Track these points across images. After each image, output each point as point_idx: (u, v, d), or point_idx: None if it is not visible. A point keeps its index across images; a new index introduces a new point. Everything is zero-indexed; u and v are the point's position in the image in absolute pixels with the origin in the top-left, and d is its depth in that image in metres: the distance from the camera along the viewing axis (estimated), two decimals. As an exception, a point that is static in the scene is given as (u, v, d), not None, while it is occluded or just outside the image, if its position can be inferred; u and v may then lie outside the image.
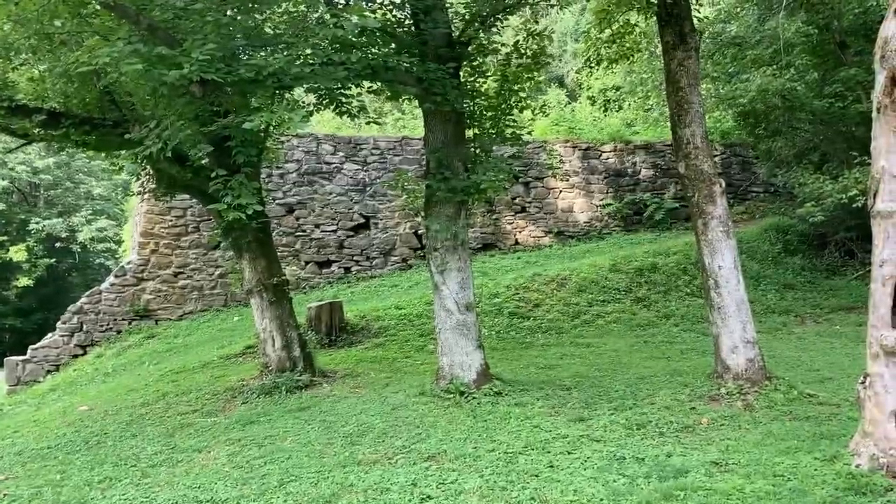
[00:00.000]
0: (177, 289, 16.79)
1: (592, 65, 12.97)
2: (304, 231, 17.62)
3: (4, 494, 6.97)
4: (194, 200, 16.46)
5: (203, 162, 9.81)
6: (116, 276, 16.69)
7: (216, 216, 10.00)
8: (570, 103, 32.06)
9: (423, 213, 8.96)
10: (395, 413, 8.21)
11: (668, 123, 9.18)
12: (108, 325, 16.41)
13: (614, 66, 12.80)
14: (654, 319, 13.24)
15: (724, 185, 8.72)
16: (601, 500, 5.61)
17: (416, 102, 9.95)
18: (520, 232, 19.14)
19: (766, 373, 8.48)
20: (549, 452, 6.77)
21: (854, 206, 12.81)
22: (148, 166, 10.02)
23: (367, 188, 18.06)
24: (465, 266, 8.82)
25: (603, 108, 17.71)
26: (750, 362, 8.40)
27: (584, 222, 19.59)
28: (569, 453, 6.74)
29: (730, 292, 8.48)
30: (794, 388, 8.33)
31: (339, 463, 6.82)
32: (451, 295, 8.72)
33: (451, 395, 8.54)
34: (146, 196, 16.17)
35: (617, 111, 22.10)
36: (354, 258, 17.96)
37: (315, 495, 6.04)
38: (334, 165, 18.13)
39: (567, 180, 19.54)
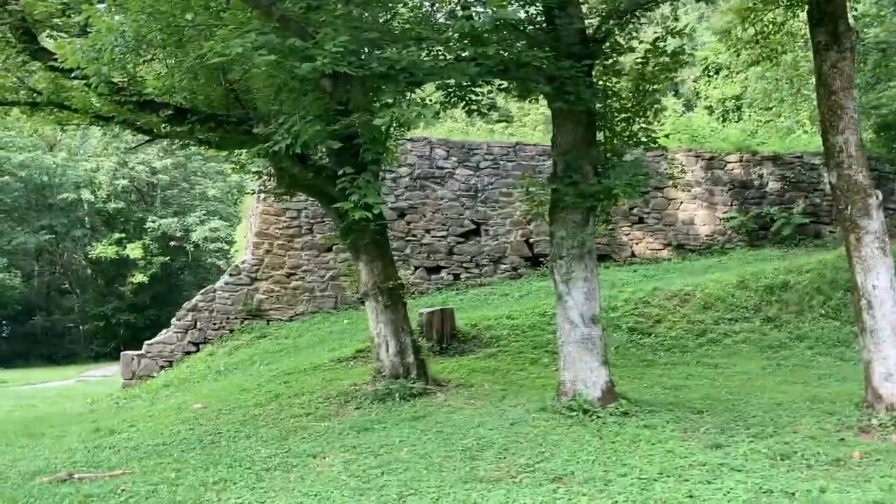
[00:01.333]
0: (289, 289, 16.86)
1: (711, 73, 12.33)
2: (414, 236, 17.42)
3: (122, 490, 6.91)
4: (309, 202, 16.53)
5: (324, 162, 9.65)
6: (231, 275, 16.88)
7: (335, 216, 9.84)
8: (685, 112, 31.06)
9: (547, 220, 8.52)
10: (515, 428, 7.79)
11: (798, 133, 8.53)
12: (220, 323, 16.59)
13: (739, 71, 12.10)
14: (785, 341, 12.40)
15: (881, 197, 7.96)
16: (753, 540, 5.04)
17: (535, 105, 9.50)
18: (636, 244, 18.45)
19: (925, 405, 7.67)
20: (686, 481, 6.23)
21: None
22: (270, 165, 9.93)
23: (479, 194, 17.74)
24: (591, 276, 8.34)
25: (721, 119, 16.88)
26: (907, 392, 7.61)
27: (706, 236, 18.73)
28: (708, 483, 6.18)
29: (884, 314, 7.72)
30: (956, 424, 7.51)
31: (459, 478, 6.45)
32: (576, 306, 8.25)
33: (575, 413, 8.06)
34: (263, 197, 16.30)
35: (736, 122, 21.06)
36: (464, 265, 17.65)
37: (437, 513, 5.68)
38: (447, 170, 17.89)
39: (688, 191, 18.73)
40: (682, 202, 18.76)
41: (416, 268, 17.46)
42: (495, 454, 7.05)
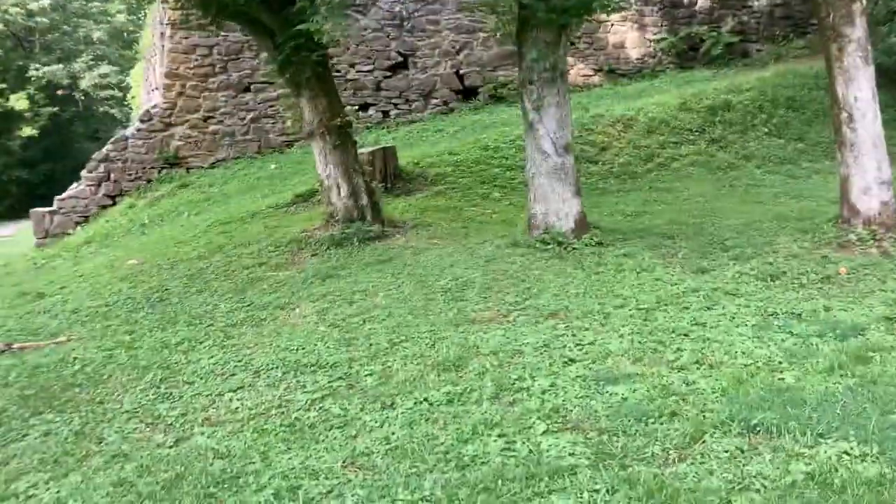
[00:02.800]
0: (207, 134, 15.75)
1: None
2: (338, 72, 16.33)
3: (74, 358, 6.29)
4: (221, 37, 15.20)
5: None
6: (142, 122, 15.61)
7: (270, 49, 8.90)
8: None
9: (514, 40, 7.82)
10: (491, 266, 7.42)
11: None
12: (136, 173, 15.49)
13: None
14: (734, 161, 12.30)
15: (865, 2, 7.54)
16: (780, 362, 4.86)
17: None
18: (569, 69, 17.81)
19: (900, 217, 7.62)
20: (686, 308, 6.02)
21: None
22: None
23: (405, 23, 16.64)
24: (563, 101, 7.81)
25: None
26: (884, 205, 7.54)
27: (636, 59, 18.26)
28: (708, 309, 5.99)
29: (865, 127, 7.52)
30: (931, 233, 7.51)
31: (449, 321, 6.08)
32: (548, 134, 7.75)
33: (549, 246, 7.74)
34: (171, 33, 14.89)
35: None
36: (392, 101, 16.78)
37: (439, 358, 5.30)
38: (368, -3, 16.66)
39: (619, 12, 18.02)
40: (612, 24, 18.10)
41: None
42: (479, 293, 6.68)
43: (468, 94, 17.05)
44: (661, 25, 18.44)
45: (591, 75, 17.98)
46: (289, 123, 15.56)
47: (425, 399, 4.67)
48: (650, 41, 18.35)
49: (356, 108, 16.01)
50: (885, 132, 12.96)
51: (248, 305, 7.19)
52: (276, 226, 10.31)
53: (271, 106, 15.99)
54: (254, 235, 9.80)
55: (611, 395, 4.53)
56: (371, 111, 16.58)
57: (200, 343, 6.32)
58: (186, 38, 15.22)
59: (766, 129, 13.11)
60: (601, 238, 7.89)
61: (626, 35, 18.16)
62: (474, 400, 4.61)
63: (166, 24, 15.39)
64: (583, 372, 4.89)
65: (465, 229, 9.24)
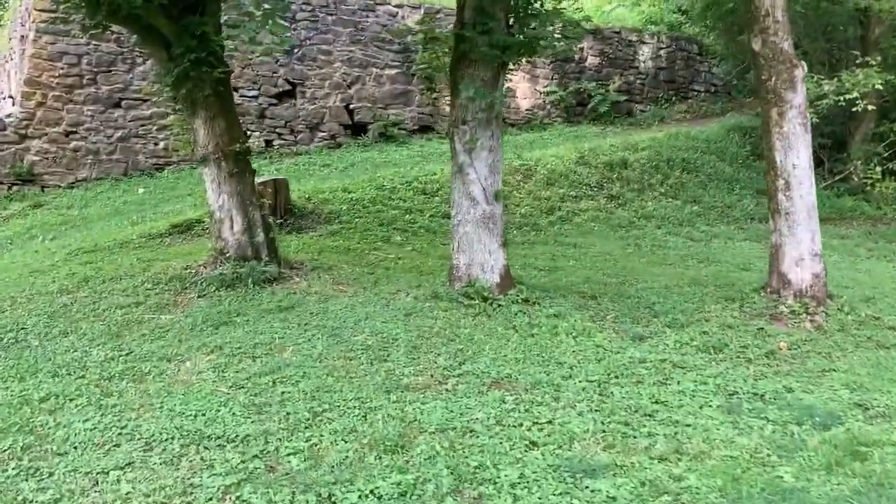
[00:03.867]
0: (68, 151, 14.19)
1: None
2: (220, 94, 15.19)
3: None
4: (92, 45, 13.83)
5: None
6: (-7, 131, 13.88)
7: (163, 60, 7.87)
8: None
9: (449, 77, 7.17)
10: (413, 321, 6.65)
11: (615, 5, 7.63)
12: (-19, 188, 13.72)
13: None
14: (633, 220, 12.10)
15: (805, 69, 7.40)
16: (769, 454, 4.37)
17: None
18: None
19: (828, 290, 7.45)
20: (640, 382, 5.51)
21: (841, 107, 12.06)
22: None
23: (296, 50, 15.74)
24: (496, 146, 7.21)
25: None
26: (816, 277, 7.34)
27: (526, 110, 18.10)
28: (663, 384, 5.50)
29: (802, 196, 7.31)
30: (854, 309, 7.38)
31: (378, 387, 5.28)
32: (479, 180, 7.11)
33: (474, 301, 7.06)
34: (34, 37, 13.39)
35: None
36: (277, 130, 15.78)
37: (376, 436, 4.49)
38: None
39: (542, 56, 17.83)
40: (505, 73, 17.83)
41: (222, 131, 15.32)
42: (406, 354, 5.90)
43: (357, 129, 16.29)
44: (552, 79, 18.39)
45: (481, 121, 17.59)
46: (161, 145, 14.33)
47: (372, 492, 3.85)
48: (541, 93, 18.24)
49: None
50: (763, 199, 13.24)
51: (127, 354, 6.09)
52: (151, 259, 9.13)
53: (143, 125, 14.64)
54: (126, 269, 8.60)
55: (593, 492, 3.87)
56: (253, 139, 15.47)
57: (71, 400, 5.21)
58: (53, 43, 13.73)
59: (663, 190, 13.05)
60: (527, 295, 7.28)
61: (518, 85, 17.97)
62: (431, 494, 3.84)
63: (30, 26, 13.84)
64: (552, 460, 4.21)
65: (372, 275, 8.43)
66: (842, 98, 11.82)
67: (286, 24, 14.71)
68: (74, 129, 14.17)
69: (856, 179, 14.17)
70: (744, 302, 7.52)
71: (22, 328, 6.82)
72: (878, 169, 13.94)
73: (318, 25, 15.87)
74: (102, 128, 14.33)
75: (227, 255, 8.13)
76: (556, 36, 7.03)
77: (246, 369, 5.66)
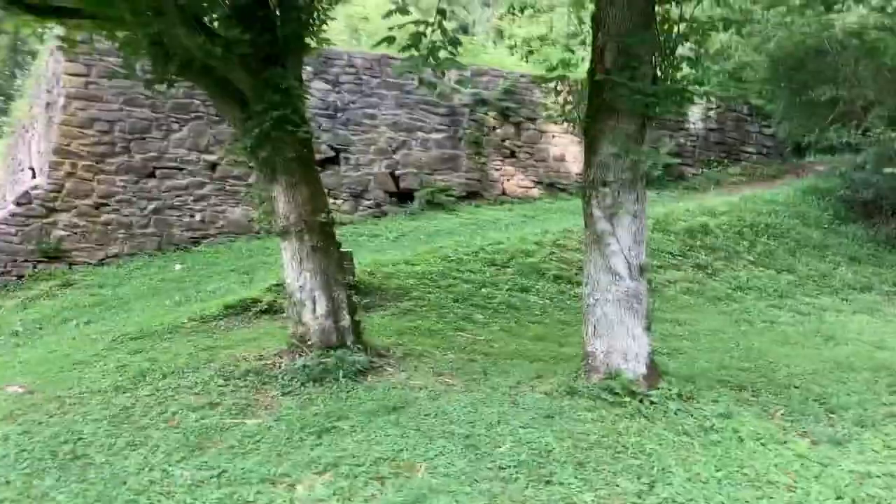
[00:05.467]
0: (98, 225, 13.14)
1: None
2: (259, 162, 14.22)
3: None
4: (124, 111, 12.89)
5: (228, 34, 6.56)
6: (18, 205, 12.81)
7: (238, 119, 6.85)
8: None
9: (584, 127, 6.11)
10: (560, 425, 5.45)
11: None
12: (5, 266, 12.61)
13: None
14: (728, 291, 10.95)
15: None
16: None
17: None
18: (508, 180, 16.46)
19: None
20: (890, 510, 4.26)
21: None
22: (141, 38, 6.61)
23: (339, 114, 14.82)
24: (641, 211, 6.12)
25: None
26: None
27: (576, 173, 17.11)
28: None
29: None
30: None
31: (563, 525, 4.05)
32: (622, 251, 6.00)
33: (621, 398, 5.86)
34: (64, 103, 12.46)
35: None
36: (320, 199, 14.72)
37: None
38: (299, 84, 14.77)
39: (560, 124, 16.96)
40: (553, 136, 16.97)
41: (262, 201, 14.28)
42: (574, 474, 4.70)
43: (403, 197, 15.29)
44: (602, 141, 17.45)
45: (530, 187, 16.66)
46: (197, 217, 13.28)
47: None
48: (591, 156, 17.27)
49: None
50: (857, 267, 12.16)
51: (219, 475, 4.88)
52: (210, 346, 7.96)
53: (178, 195, 13.64)
54: (185, 359, 7.42)
55: None
56: (294, 209, 14.43)
57: (160, 544, 3.99)
58: (84, 109, 12.80)
59: (752, 258, 11.96)
60: (678, 388, 6.09)
61: (567, 148, 17.06)
62: None
63: (59, 92, 12.92)
64: None
65: (474, 363, 7.27)
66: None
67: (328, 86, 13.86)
68: (105, 202, 13.15)
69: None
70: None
71: (79, 438, 5.62)
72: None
73: (362, 88, 14.99)
74: (135, 199, 13.31)
75: (309, 342, 6.98)
76: (712, 80, 5.97)
77: (378, 496, 4.45)
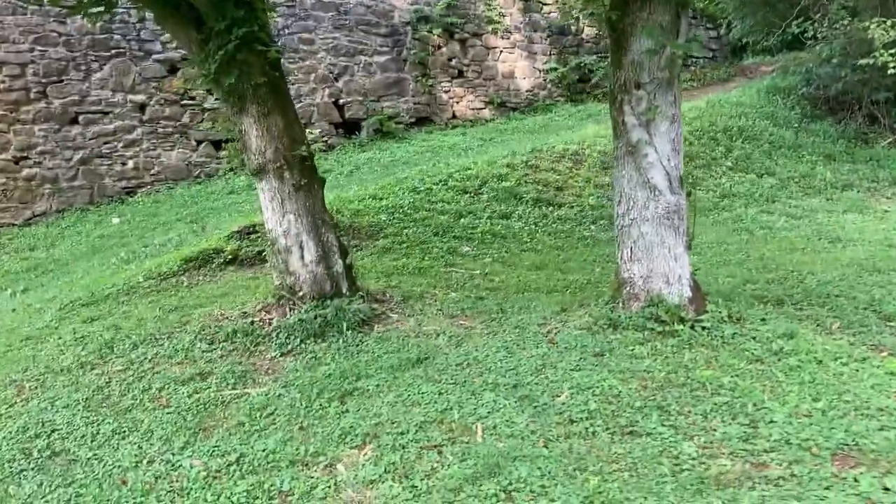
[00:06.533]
0: (20, 181, 11.83)
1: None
2: (192, 99, 13.02)
3: None
4: (36, 51, 11.49)
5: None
6: (-74, 165, 11.41)
7: (196, 44, 5.84)
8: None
9: (610, 22, 5.31)
10: (616, 364, 4.81)
11: None
12: (-83, 235, 11.27)
13: None
14: (716, 200, 10.45)
15: None
16: None
17: None
18: (458, 102, 15.56)
19: None
20: None
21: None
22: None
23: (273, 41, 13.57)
24: (678, 116, 5.40)
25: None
26: None
27: (527, 90, 16.35)
28: None
29: None
30: None
31: (678, 486, 3.42)
32: (661, 161, 5.30)
33: (670, 327, 5.23)
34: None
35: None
36: (261, 136, 13.60)
37: None
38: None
39: (508, 38, 16.07)
40: (501, 51, 16.07)
41: (199, 142, 13.13)
42: (659, 421, 4.07)
43: (350, 127, 14.28)
44: (550, 54, 16.67)
45: (481, 108, 15.81)
46: (130, 164, 12.10)
47: None
48: (540, 71, 16.50)
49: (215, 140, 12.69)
50: (834, 165, 11.82)
51: (238, 460, 4.11)
52: (178, 307, 7.05)
53: (106, 142, 12.37)
54: (153, 325, 6.51)
55: None
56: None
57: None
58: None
59: (730, 164, 11.46)
60: (727, 310, 5.49)
61: (516, 64, 16.20)
62: None
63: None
64: None
65: (483, 300, 6.57)
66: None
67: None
68: (25, 154, 11.81)
69: (917, 136, 12.82)
70: None
71: (53, 430, 4.76)
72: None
73: (296, 10, 13.77)
74: (59, 150, 12.00)
75: (300, 293, 6.15)
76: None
77: (440, 469, 3.75)
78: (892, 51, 10.60)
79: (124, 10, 12.22)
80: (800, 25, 13.21)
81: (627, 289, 5.53)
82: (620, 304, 5.55)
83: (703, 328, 5.23)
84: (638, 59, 5.16)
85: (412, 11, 14.77)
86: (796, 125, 12.89)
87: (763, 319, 5.48)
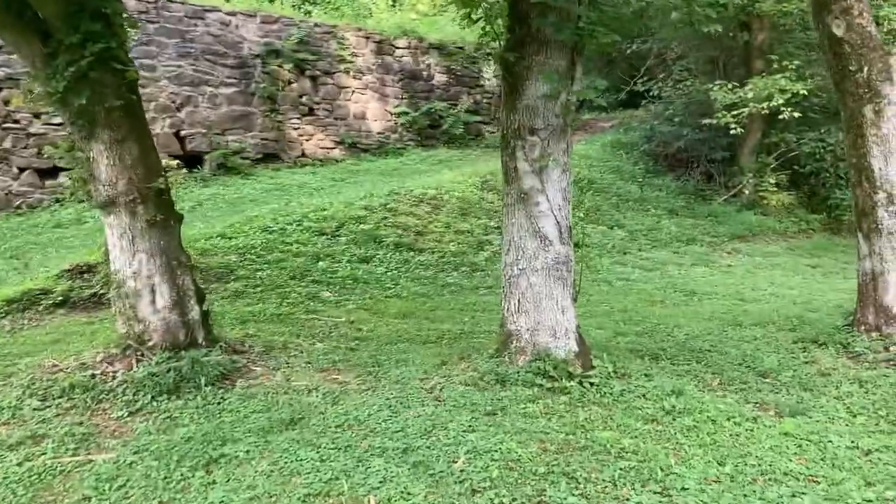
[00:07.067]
0: None
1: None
2: (16, 122, 11.84)
3: None
4: None
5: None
6: None
7: (40, 58, 5.14)
8: None
9: (506, 64, 5.09)
10: (510, 424, 4.50)
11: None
12: None
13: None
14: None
15: (891, 59, 6.14)
16: None
17: None
18: (307, 140, 15.05)
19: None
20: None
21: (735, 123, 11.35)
22: None
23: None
24: (568, 165, 5.25)
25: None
26: (922, 307, 6.06)
27: (378, 133, 16.08)
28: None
29: (906, 211, 6.01)
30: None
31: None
32: (553, 210, 5.11)
33: (559, 383, 5.02)
34: None
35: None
36: (93, 166, 12.54)
37: None
38: (57, 30, 12.41)
39: (360, 78, 15.79)
40: (353, 91, 15.75)
41: (22, 169, 11.92)
42: (568, 490, 3.79)
43: (191, 161, 13.42)
44: (402, 98, 16.53)
45: (331, 148, 15.37)
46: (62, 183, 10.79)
47: None
48: (391, 114, 16.31)
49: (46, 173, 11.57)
50: (677, 219, 12.25)
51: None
52: (5, 353, 6.17)
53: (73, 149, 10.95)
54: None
55: None
56: (62, 178, 12.20)
57: None
58: None
59: (581, 214, 11.62)
60: (613, 365, 5.35)
61: (368, 105, 15.94)
62: None
63: None
64: None
65: (354, 352, 6.14)
66: (764, 106, 10.99)
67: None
68: None
69: (747, 193, 13.57)
70: (840, 344, 6.13)
71: None
72: (772, 181, 13.45)
73: (137, 35, 12.85)
74: None
75: (150, 342, 5.49)
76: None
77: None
78: (733, 112, 11.15)
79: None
80: (644, 84, 13.75)
81: (512, 342, 5.27)
82: (507, 358, 5.28)
83: (592, 384, 5.06)
84: (533, 105, 4.98)
85: (262, 44, 14.21)
86: (640, 179, 13.33)
87: (647, 375, 5.39)
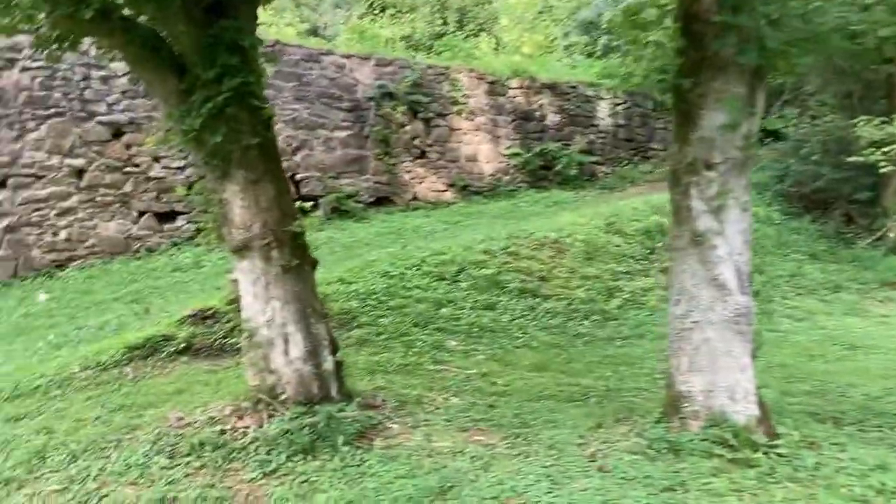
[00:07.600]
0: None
1: None
2: (136, 166, 11.95)
3: None
4: None
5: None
6: None
7: (175, 95, 4.91)
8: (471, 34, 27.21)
9: (678, 92, 4.56)
10: (691, 501, 3.89)
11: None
12: None
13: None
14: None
15: None
16: None
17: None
18: (420, 183, 14.79)
19: None
20: None
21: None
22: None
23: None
24: (749, 204, 4.65)
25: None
26: None
27: (490, 175, 15.72)
28: None
29: None
30: None
31: None
32: (731, 255, 4.51)
33: (739, 453, 4.37)
34: None
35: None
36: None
37: None
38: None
39: (472, 120, 15.50)
40: (465, 133, 15.47)
41: (141, 213, 12.00)
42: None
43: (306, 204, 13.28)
44: (514, 139, 16.15)
45: (443, 190, 15.07)
46: (62, 235, 10.89)
47: None
48: (503, 156, 15.93)
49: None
50: (820, 265, 11.37)
51: None
52: (123, 405, 5.92)
53: (37, 209, 11.15)
54: (95, 429, 5.36)
55: None
56: (180, 221, 12.23)
57: None
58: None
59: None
60: (800, 433, 4.67)
61: (480, 147, 15.61)
62: None
63: None
64: None
65: (494, 409, 5.63)
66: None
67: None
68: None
69: (892, 236, 12.55)
70: None
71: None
72: (920, 224, 12.41)
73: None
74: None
75: (282, 395, 5.12)
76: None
77: None
78: (884, 149, 10.29)
79: (68, 67, 11.21)
80: (779, 119, 12.97)
81: (682, 404, 4.66)
82: (677, 423, 4.66)
83: (780, 455, 4.38)
84: (709, 136, 4.42)
85: (376, 87, 14.09)
86: (778, 222, 12.49)
87: (836, 444, 4.67)
